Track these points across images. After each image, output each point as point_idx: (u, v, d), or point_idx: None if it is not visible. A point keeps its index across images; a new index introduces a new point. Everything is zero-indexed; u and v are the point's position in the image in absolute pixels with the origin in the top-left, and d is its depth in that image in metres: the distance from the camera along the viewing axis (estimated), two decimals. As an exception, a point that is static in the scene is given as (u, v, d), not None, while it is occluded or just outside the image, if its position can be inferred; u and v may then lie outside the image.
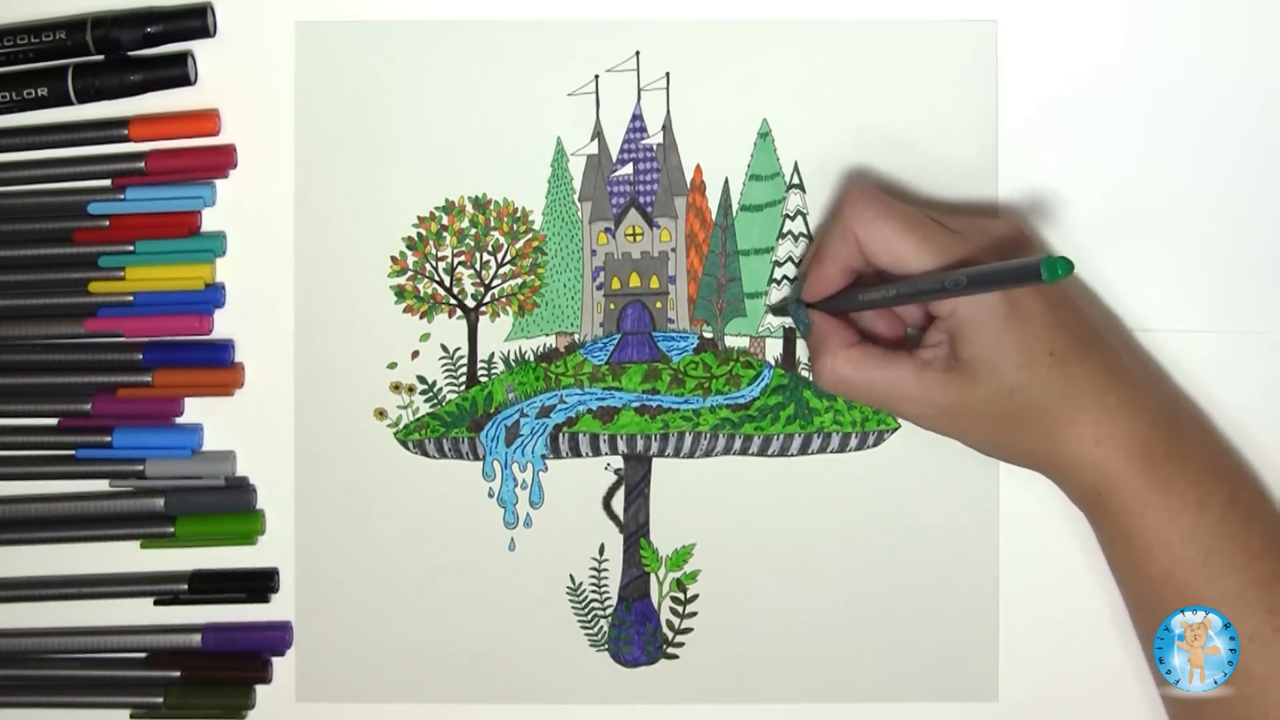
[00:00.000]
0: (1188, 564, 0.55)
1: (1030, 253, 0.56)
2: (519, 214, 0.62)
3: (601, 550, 0.62)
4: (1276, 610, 0.54)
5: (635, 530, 0.62)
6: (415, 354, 0.62)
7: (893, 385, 0.56)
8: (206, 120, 0.61)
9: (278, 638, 0.62)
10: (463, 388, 0.62)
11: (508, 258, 0.62)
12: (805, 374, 0.62)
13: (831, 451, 0.62)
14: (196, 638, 0.62)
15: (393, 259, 0.62)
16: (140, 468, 0.61)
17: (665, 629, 0.63)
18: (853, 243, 0.56)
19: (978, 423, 0.56)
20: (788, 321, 0.62)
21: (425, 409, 0.62)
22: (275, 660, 0.62)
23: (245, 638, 0.62)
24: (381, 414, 0.62)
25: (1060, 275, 0.47)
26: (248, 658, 0.62)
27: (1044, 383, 0.55)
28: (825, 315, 0.58)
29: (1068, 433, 0.56)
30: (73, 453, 0.61)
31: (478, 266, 0.62)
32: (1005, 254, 0.55)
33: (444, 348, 0.62)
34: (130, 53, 0.61)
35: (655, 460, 0.62)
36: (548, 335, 0.63)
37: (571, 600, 0.62)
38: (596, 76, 0.62)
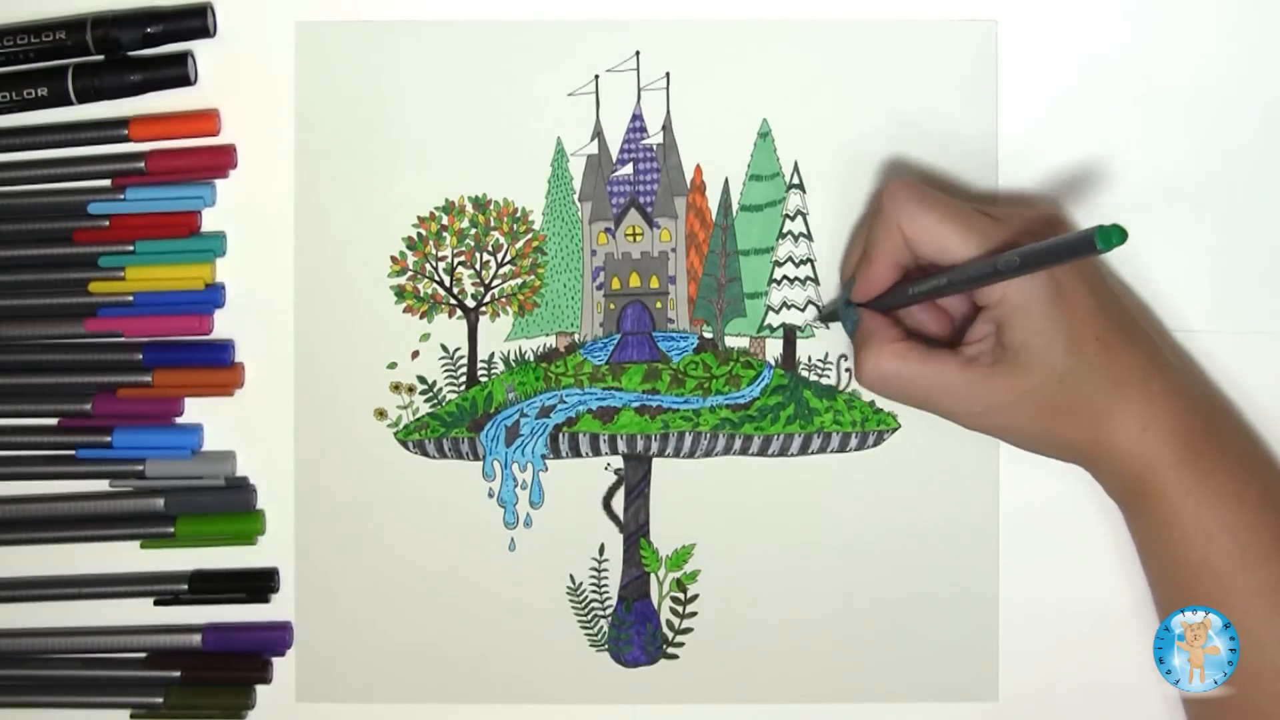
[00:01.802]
0: (1225, 554, 0.55)
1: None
2: (519, 214, 0.62)
3: (601, 550, 0.62)
4: None
5: (635, 530, 0.62)
6: (415, 354, 0.62)
7: (937, 381, 0.56)
8: (206, 120, 0.61)
9: (278, 638, 0.62)
10: (463, 388, 0.62)
11: (508, 258, 0.62)
12: (805, 374, 0.62)
13: (831, 451, 0.62)
14: (196, 638, 0.62)
15: (393, 259, 0.62)
16: (140, 468, 0.61)
17: (665, 629, 0.63)
18: (898, 237, 0.56)
19: (1024, 416, 0.56)
20: (790, 320, 0.62)
21: (425, 409, 0.62)
22: (275, 660, 0.62)
23: (245, 638, 0.62)
24: (381, 414, 0.62)
25: (1116, 244, 0.47)
26: (248, 658, 0.62)
27: (1090, 368, 0.55)
28: (872, 313, 0.58)
29: (1113, 421, 0.55)
30: (73, 453, 0.61)
31: (478, 266, 0.62)
32: (1045, 238, 0.54)
33: (444, 348, 0.62)
34: (130, 53, 0.61)
35: (655, 460, 0.62)
36: (548, 335, 0.63)
37: (571, 600, 0.62)
38: (596, 76, 0.62)
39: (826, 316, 0.62)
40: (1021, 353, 0.55)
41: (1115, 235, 0.47)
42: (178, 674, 0.62)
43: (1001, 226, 0.55)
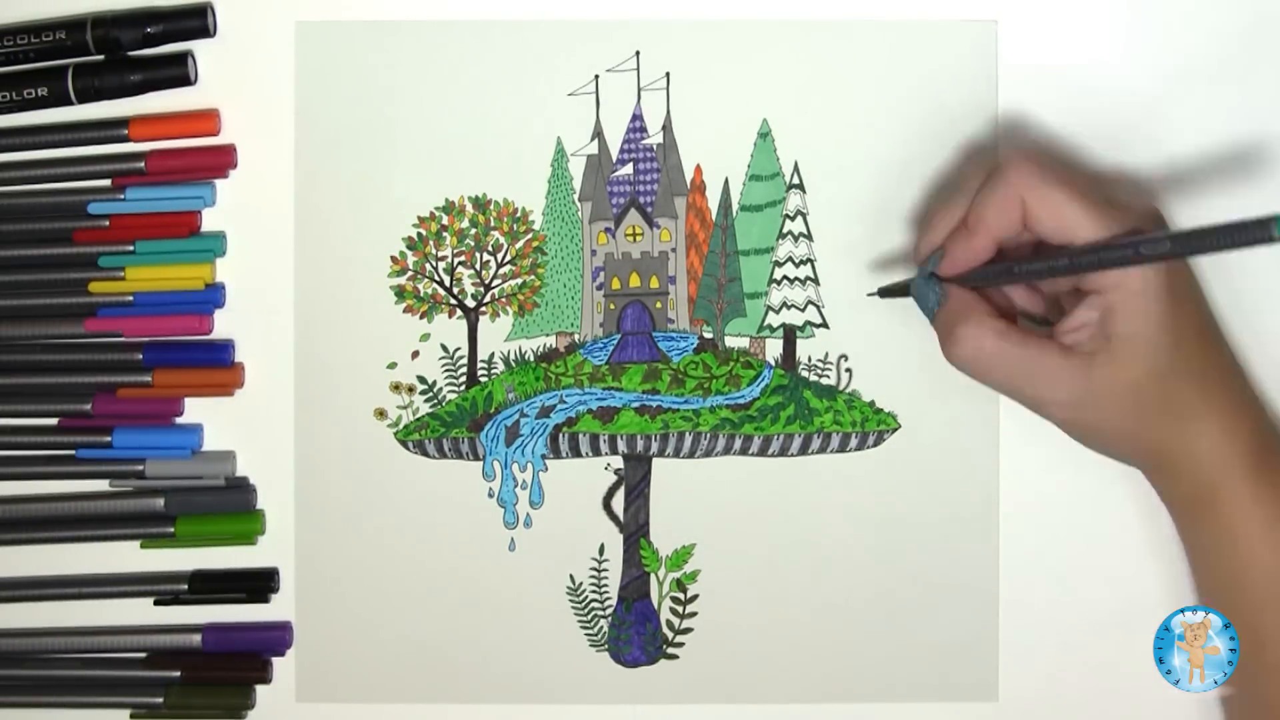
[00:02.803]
0: None
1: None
2: (519, 214, 0.62)
3: (601, 550, 0.62)
4: None
5: (635, 530, 0.62)
6: (415, 354, 0.62)
7: (1035, 365, 0.53)
8: (206, 120, 0.61)
9: (278, 638, 0.62)
10: (463, 388, 0.62)
11: (508, 258, 0.62)
12: (805, 374, 0.62)
13: (831, 451, 0.62)
14: (196, 638, 0.62)
15: (393, 259, 0.62)
16: (140, 468, 0.61)
17: (665, 629, 0.63)
18: (1016, 211, 0.53)
19: (1117, 411, 0.53)
20: (790, 320, 0.62)
21: (425, 409, 0.62)
22: (275, 660, 0.62)
23: (245, 638, 0.62)
24: (381, 414, 0.62)
25: None
26: (248, 658, 0.62)
27: (1189, 366, 0.53)
28: (961, 289, 0.55)
29: (1199, 423, 0.54)
30: (73, 453, 0.61)
31: (478, 266, 0.62)
32: (1150, 232, 0.52)
33: (444, 348, 0.62)
34: (130, 53, 0.61)
35: (655, 460, 0.62)
36: (548, 335, 0.63)
37: (571, 600, 0.62)
38: (596, 76, 0.62)
39: (893, 290, 0.59)
40: (1128, 343, 0.52)
41: None
42: (178, 674, 0.62)
43: (1124, 212, 0.53)
